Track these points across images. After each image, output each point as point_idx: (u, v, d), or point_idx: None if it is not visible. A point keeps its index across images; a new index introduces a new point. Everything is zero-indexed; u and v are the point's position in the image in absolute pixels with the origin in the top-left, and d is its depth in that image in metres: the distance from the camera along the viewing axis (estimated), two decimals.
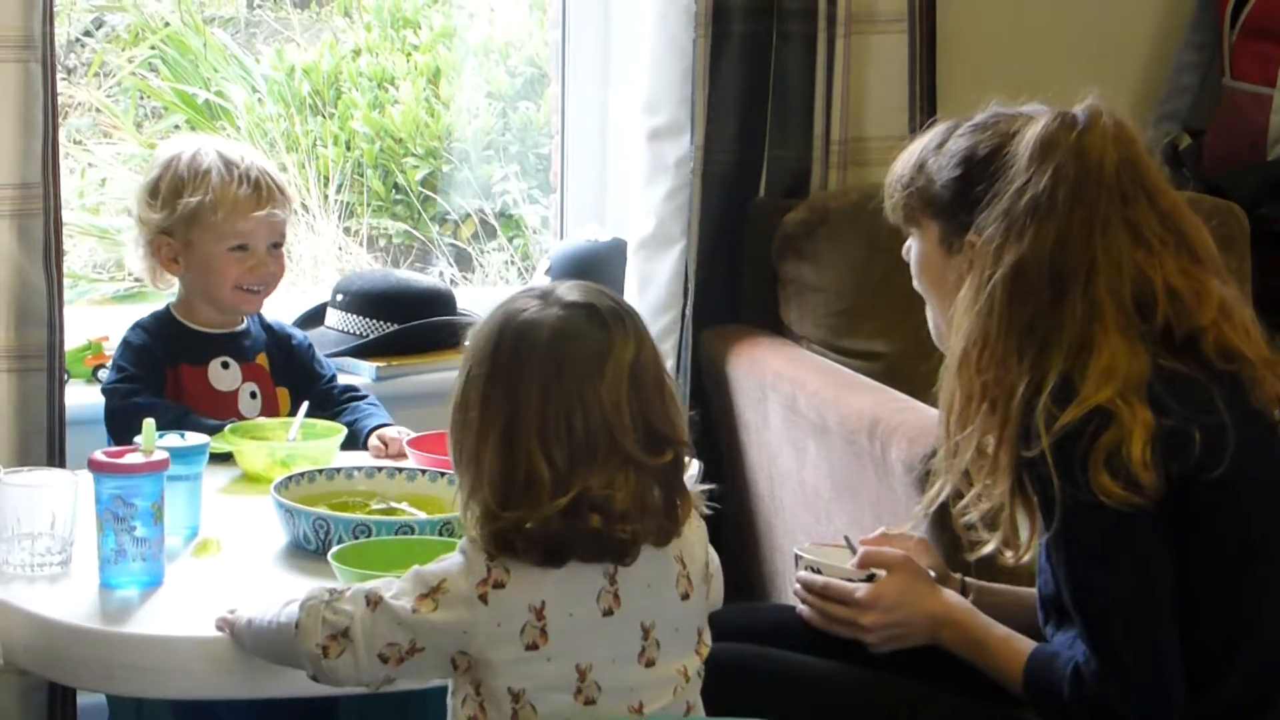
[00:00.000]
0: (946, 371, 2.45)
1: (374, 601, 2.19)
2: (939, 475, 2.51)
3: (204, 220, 3.27)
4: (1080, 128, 2.39)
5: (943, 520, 2.74)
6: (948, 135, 2.52)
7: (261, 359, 3.39)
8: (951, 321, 2.46)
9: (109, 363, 3.37)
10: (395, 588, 2.20)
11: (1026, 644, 2.46)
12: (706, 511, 2.31)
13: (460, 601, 2.16)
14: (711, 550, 2.34)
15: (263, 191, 3.30)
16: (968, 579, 2.69)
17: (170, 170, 3.31)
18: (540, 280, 4.12)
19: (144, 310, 3.39)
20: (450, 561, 2.20)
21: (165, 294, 3.41)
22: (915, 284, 2.60)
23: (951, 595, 2.59)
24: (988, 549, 2.49)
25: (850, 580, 2.61)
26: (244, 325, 3.39)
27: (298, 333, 3.52)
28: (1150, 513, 2.29)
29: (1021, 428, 2.33)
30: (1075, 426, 2.28)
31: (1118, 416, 2.27)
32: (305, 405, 3.22)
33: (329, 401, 3.41)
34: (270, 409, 3.35)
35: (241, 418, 3.27)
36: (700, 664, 2.29)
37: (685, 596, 2.26)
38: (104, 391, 3.30)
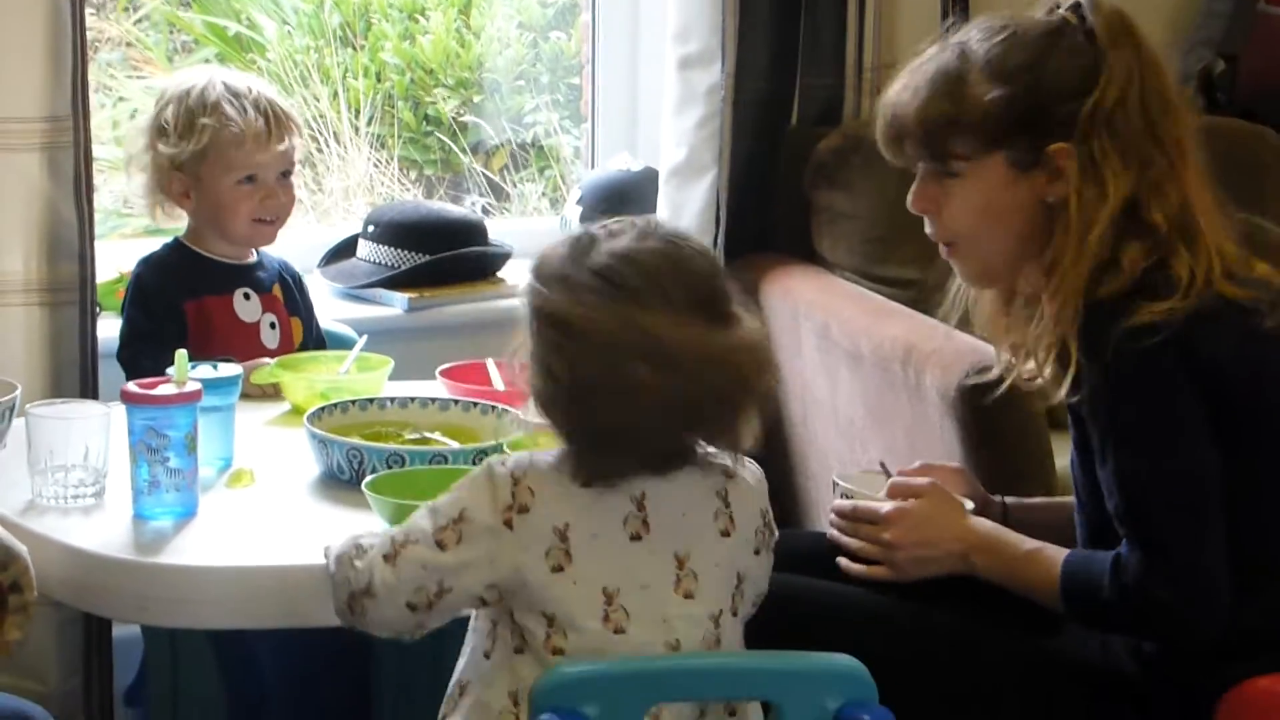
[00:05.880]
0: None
1: (392, 555, 2.17)
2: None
3: (214, 154, 3.25)
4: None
5: (979, 454, 2.73)
6: (966, 57, 2.49)
7: (276, 289, 3.38)
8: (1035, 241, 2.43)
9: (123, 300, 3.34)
10: (412, 531, 2.18)
11: (1061, 552, 2.41)
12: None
13: (484, 530, 2.14)
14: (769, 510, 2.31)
15: (272, 122, 3.28)
16: (1008, 499, 2.67)
17: (180, 105, 3.28)
18: (572, 210, 4.11)
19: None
20: (466, 490, 2.18)
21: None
22: (963, 225, 2.48)
23: (983, 521, 2.55)
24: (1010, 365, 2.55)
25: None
26: (256, 257, 3.39)
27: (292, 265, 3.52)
28: (1198, 410, 2.28)
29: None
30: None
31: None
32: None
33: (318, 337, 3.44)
34: (286, 340, 3.34)
35: (264, 349, 3.26)
36: (737, 627, 2.23)
37: (725, 534, 2.22)
38: (118, 355, 3.29)
